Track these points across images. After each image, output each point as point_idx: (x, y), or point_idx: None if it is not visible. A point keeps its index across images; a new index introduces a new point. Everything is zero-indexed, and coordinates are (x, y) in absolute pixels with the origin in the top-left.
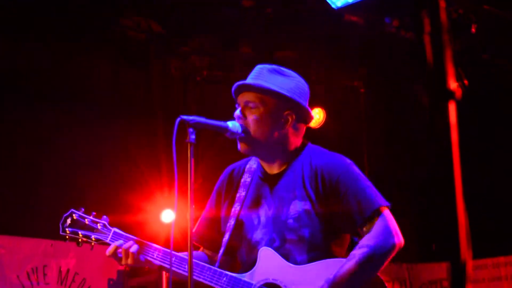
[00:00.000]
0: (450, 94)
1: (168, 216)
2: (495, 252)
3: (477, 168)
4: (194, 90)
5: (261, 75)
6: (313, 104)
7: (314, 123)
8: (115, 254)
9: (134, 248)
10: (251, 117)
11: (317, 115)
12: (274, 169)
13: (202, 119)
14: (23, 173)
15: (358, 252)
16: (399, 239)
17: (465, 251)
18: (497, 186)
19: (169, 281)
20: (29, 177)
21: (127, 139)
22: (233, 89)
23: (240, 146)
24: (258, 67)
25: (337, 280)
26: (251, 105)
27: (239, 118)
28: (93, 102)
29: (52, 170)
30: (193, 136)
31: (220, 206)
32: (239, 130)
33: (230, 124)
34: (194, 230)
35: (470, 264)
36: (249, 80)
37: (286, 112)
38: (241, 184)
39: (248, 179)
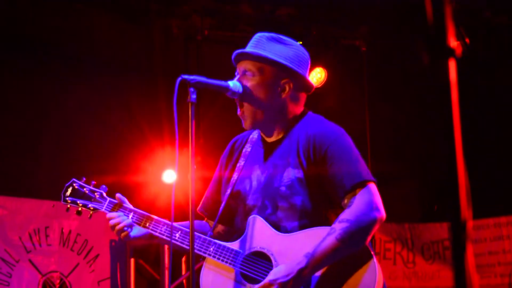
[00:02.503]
0: (450, 52)
1: (169, 176)
2: (497, 212)
3: (478, 128)
4: (196, 50)
5: (260, 43)
6: (314, 64)
7: (315, 82)
8: (112, 228)
9: (125, 231)
10: (248, 86)
11: (319, 74)
12: (272, 137)
13: (203, 79)
14: (24, 133)
15: (338, 227)
16: (380, 214)
17: (466, 211)
18: (498, 146)
19: (171, 243)
20: (30, 137)
21: (128, 99)
22: (232, 57)
23: (243, 123)
24: (258, 35)
25: (316, 256)
26: (248, 73)
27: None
28: (95, 62)
29: (53, 130)
30: (194, 96)
31: (222, 177)
32: (240, 89)
33: (231, 83)
34: (202, 202)
35: (470, 223)
36: (248, 48)
37: (283, 81)
38: (242, 154)
39: (249, 149)
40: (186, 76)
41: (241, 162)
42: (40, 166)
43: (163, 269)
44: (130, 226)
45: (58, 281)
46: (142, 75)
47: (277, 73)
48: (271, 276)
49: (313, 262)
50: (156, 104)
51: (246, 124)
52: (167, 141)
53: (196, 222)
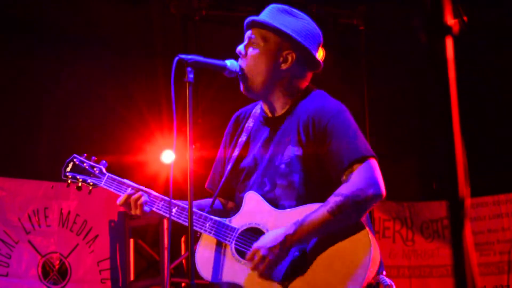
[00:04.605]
0: (448, 30)
1: (168, 156)
2: (496, 190)
3: (477, 105)
4: (194, 30)
5: (270, 13)
6: None
7: None
8: (126, 204)
9: (142, 200)
10: (250, 53)
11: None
12: (275, 113)
13: (201, 58)
14: (23, 114)
15: (331, 200)
16: (379, 190)
17: (464, 189)
18: (497, 123)
19: (169, 222)
20: (29, 118)
21: (126, 79)
22: (244, 26)
23: (241, 86)
24: (271, 6)
25: (305, 224)
26: (252, 40)
27: (240, 53)
28: (93, 41)
29: (52, 111)
30: (191, 75)
31: (225, 151)
32: (237, 68)
33: (228, 62)
34: (209, 178)
35: (468, 201)
36: (256, 17)
37: (286, 52)
38: (244, 129)
39: (251, 124)
40: (183, 56)
41: (243, 137)
42: (39, 147)
43: (162, 250)
44: (146, 202)
45: (57, 261)
46: (140, 55)
47: (281, 43)
48: (259, 242)
49: (301, 230)
50: (155, 84)
51: (243, 87)
52: (166, 121)
53: (203, 201)
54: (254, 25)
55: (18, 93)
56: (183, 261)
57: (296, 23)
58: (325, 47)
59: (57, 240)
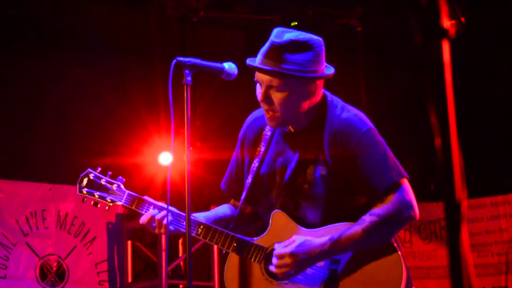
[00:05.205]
0: (443, 33)
1: (166, 158)
2: (493, 191)
3: (476, 106)
4: (191, 31)
5: (277, 56)
6: None
7: None
8: (149, 223)
9: (167, 220)
10: (278, 101)
11: None
12: (296, 127)
13: (198, 61)
14: (21, 116)
15: (368, 219)
16: (414, 213)
17: (460, 191)
18: (496, 125)
19: (167, 223)
20: (27, 120)
21: (124, 81)
22: (248, 64)
23: (269, 123)
24: (272, 44)
25: (340, 241)
26: (275, 88)
27: (264, 103)
28: (91, 43)
29: (50, 113)
30: (189, 78)
31: (243, 158)
32: (235, 71)
33: (226, 65)
34: (224, 178)
35: (465, 203)
36: (267, 62)
37: (312, 85)
38: (262, 138)
39: (269, 133)
40: (181, 58)
41: (262, 148)
42: (36, 149)
43: (160, 251)
44: (171, 222)
45: (55, 264)
46: (138, 57)
47: (304, 82)
48: (293, 247)
49: (336, 247)
50: (153, 86)
51: (272, 125)
52: (163, 123)
53: (220, 211)
54: (269, 73)
55: (16, 94)
56: (181, 263)
57: (307, 55)
58: None
59: (54, 242)
